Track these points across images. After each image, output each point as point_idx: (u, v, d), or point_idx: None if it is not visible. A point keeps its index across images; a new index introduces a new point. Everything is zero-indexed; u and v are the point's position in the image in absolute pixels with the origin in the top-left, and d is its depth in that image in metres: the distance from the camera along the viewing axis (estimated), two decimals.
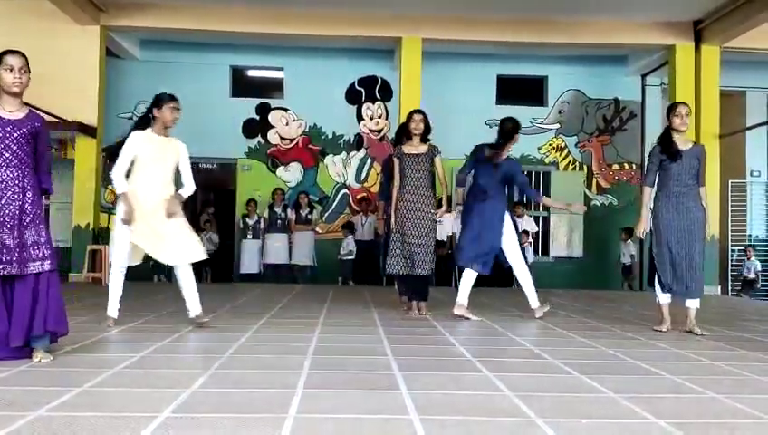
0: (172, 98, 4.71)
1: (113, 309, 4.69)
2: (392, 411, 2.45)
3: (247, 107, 11.72)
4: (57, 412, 2.36)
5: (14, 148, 3.30)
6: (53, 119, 9.24)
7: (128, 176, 4.58)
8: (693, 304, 4.88)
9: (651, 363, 3.56)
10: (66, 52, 9.74)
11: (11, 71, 3.30)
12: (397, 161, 5.77)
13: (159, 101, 4.67)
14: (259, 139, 11.75)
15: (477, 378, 3.11)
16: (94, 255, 9.62)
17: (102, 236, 10.17)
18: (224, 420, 2.29)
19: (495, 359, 3.62)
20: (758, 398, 2.81)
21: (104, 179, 10.52)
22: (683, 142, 4.94)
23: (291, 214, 10.77)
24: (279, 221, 10.74)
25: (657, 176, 4.99)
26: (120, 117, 11.36)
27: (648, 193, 5.11)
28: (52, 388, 2.73)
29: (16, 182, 3.30)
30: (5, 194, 3.27)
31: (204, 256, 4.73)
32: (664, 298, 4.98)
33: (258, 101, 11.80)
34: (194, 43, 11.31)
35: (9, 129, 3.30)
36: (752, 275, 11.92)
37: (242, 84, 12.05)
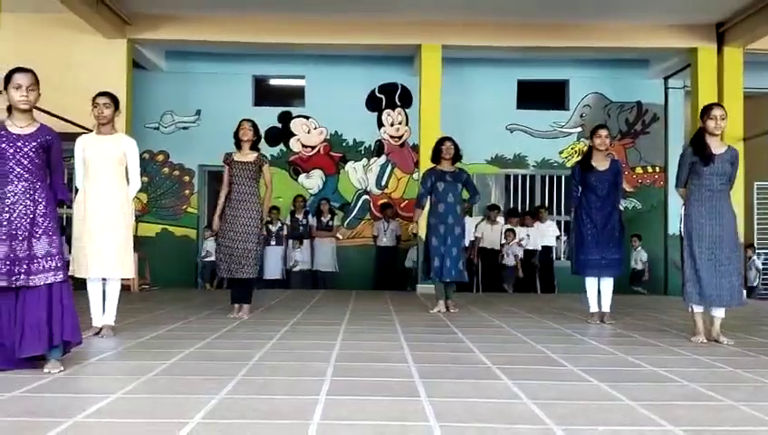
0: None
1: (95, 319, 4.74)
2: (412, 418, 2.53)
3: (270, 115, 11.86)
4: (94, 418, 2.47)
5: (25, 162, 3.41)
6: (82, 130, 9.46)
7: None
8: (719, 312, 4.77)
9: (670, 371, 3.60)
10: (94, 64, 9.96)
11: (18, 89, 3.42)
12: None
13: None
14: (281, 146, 11.90)
15: (497, 385, 3.18)
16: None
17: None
18: (251, 427, 2.39)
19: (515, 366, 3.68)
20: None
21: None
22: (716, 145, 4.81)
23: (312, 221, 10.92)
24: (301, 228, 10.89)
25: (689, 179, 4.87)
26: (147, 127, 11.62)
27: (684, 193, 4.96)
28: (86, 395, 2.85)
29: (27, 195, 3.40)
30: (17, 208, 3.38)
31: (127, 275, 4.80)
32: (697, 307, 4.76)
33: (280, 109, 11.96)
34: (217, 54, 11.49)
35: (20, 144, 3.41)
36: None
37: (264, 93, 12.21)
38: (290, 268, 10.86)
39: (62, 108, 8.29)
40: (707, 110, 4.85)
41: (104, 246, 4.57)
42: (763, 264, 12.27)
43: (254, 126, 6.03)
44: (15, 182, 3.40)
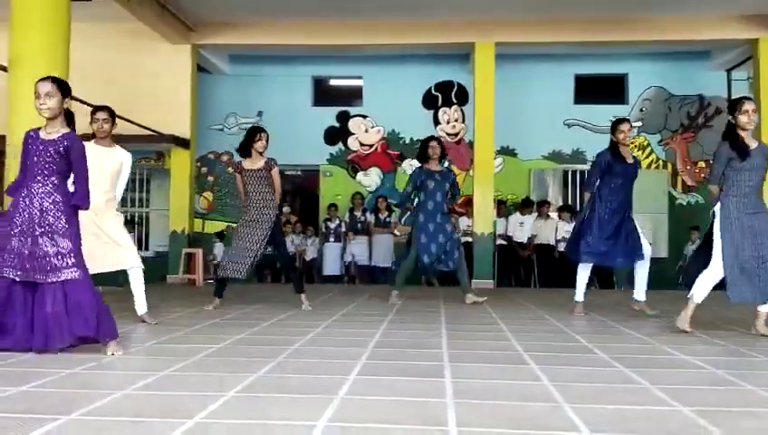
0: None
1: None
2: (431, 395, 2.69)
3: (329, 115, 12.20)
4: (143, 391, 2.75)
5: (44, 165, 3.67)
6: (150, 132, 10.00)
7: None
8: (765, 308, 4.70)
9: (703, 359, 3.63)
10: (160, 69, 10.49)
11: (38, 98, 3.71)
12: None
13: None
14: (340, 145, 12.20)
15: (522, 369, 3.30)
16: (189, 257, 10.31)
17: (196, 240, 10.89)
18: (279, 399, 2.61)
19: (545, 353, 3.78)
20: None
21: (198, 187, 11.26)
22: (749, 140, 4.77)
23: (370, 217, 11.17)
24: (359, 225, 11.15)
25: (725, 175, 4.80)
26: (212, 129, 12.13)
27: (717, 191, 4.91)
28: (139, 372, 3.14)
29: (46, 196, 3.65)
30: (36, 205, 3.63)
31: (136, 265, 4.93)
32: (735, 301, 4.68)
33: (339, 109, 12.28)
34: (278, 57, 11.89)
35: (42, 148, 3.68)
36: None
37: (323, 93, 12.56)
38: (348, 263, 11.12)
39: (132, 112, 8.80)
40: (739, 104, 4.77)
41: (114, 242, 4.87)
42: None
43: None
44: (34, 184, 3.67)
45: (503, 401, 2.61)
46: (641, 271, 5.93)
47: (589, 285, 6.20)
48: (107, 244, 4.83)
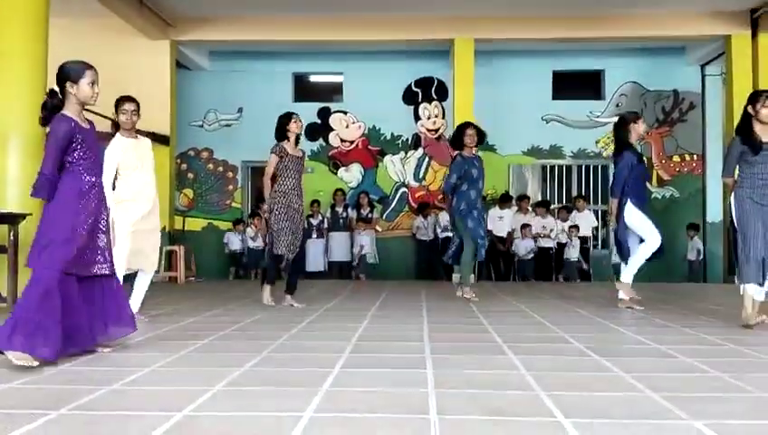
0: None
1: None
2: (413, 385, 2.78)
3: (309, 111, 12.21)
4: (132, 386, 2.81)
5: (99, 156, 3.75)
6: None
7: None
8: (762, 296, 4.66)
9: (674, 348, 3.75)
10: (139, 66, 10.45)
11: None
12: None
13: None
14: (321, 141, 12.25)
15: (500, 359, 3.40)
16: (170, 255, 10.31)
17: (177, 237, 10.89)
18: (266, 391, 2.69)
19: (524, 344, 3.89)
20: (759, 376, 3.00)
21: (178, 184, 11.26)
22: (765, 133, 4.67)
23: (352, 213, 11.24)
24: (341, 221, 11.22)
25: (739, 168, 4.72)
26: (192, 125, 12.11)
27: (731, 183, 4.79)
28: (126, 368, 3.20)
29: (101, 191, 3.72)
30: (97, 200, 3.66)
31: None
32: (753, 291, 4.62)
33: (319, 105, 12.32)
34: (258, 53, 11.90)
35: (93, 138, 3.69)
36: None
37: (304, 90, 12.59)
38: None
39: (111, 109, 8.74)
40: (758, 97, 4.70)
41: (155, 241, 5.00)
42: None
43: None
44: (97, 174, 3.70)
45: (481, 390, 2.71)
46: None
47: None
48: (152, 242, 4.93)
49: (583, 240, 11.15)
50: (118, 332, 3.72)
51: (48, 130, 3.47)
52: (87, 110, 3.70)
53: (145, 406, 2.46)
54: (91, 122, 3.66)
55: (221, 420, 2.29)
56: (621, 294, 5.92)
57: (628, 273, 5.91)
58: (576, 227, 10.81)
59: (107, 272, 3.64)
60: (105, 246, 3.63)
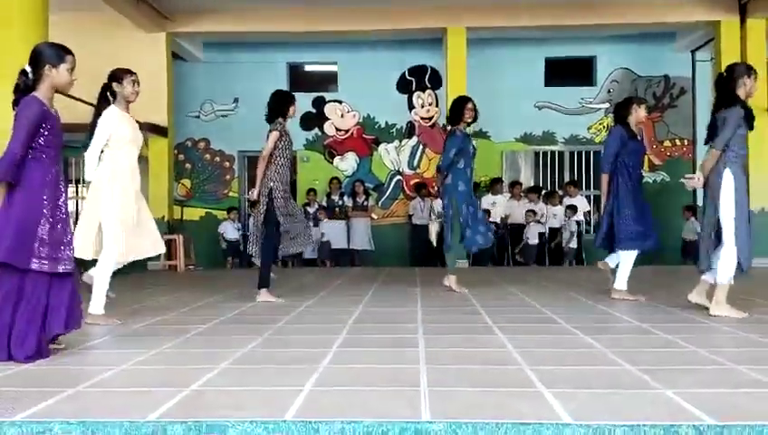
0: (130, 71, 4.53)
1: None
2: (405, 362, 2.96)
3: (304, 101, 12.32)
4: (142, 366, 2.98)
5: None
6: None
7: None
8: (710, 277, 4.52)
9: (655, 326, 3.93)
10: (136, 58, 10.45)
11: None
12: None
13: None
14: (316, 131, 12.38)
15: (489, 339, 3.58)
16: (169, 244, 10.46)
17: (176, 227, 11.05)
18: (268, 368, 2.86)
19: (514, 324, 4.06)
20: (735, 350, 3.18)
21: (176, 174, 11.41)
22: None
23: (348, 201, 11.39)
24: (337, 209, 11.37)
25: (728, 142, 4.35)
26: (188, 116, 12.23)
27: (717, 157, 4.41)
28: (134, 350, 3.36)
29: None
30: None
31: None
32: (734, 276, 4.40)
33: (314, 94, 12.43)
34: (253, 43, 12.00)
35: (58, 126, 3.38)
36: None
37: (299, 80, 12.69)
38: (318, 241, 11.18)
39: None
40: (752, 71, 4.49)
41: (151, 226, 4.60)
42: None
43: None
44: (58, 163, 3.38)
45: (469, 365, 2.88)
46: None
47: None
48: (149, 227, 4.51)
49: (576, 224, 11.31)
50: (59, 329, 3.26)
51: (17, 110, 3.21)
52: (71, 96, 3.45)
53: (155, 383, 2.63)
54: (56, 111, 3.37)
55: (227, 393, 2.47)
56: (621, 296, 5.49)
57: (621, 280, 5.48)
58: (573, 207, 10.95)
59: (69, 270, 3.30)
60: (69, 241, 3.32)
